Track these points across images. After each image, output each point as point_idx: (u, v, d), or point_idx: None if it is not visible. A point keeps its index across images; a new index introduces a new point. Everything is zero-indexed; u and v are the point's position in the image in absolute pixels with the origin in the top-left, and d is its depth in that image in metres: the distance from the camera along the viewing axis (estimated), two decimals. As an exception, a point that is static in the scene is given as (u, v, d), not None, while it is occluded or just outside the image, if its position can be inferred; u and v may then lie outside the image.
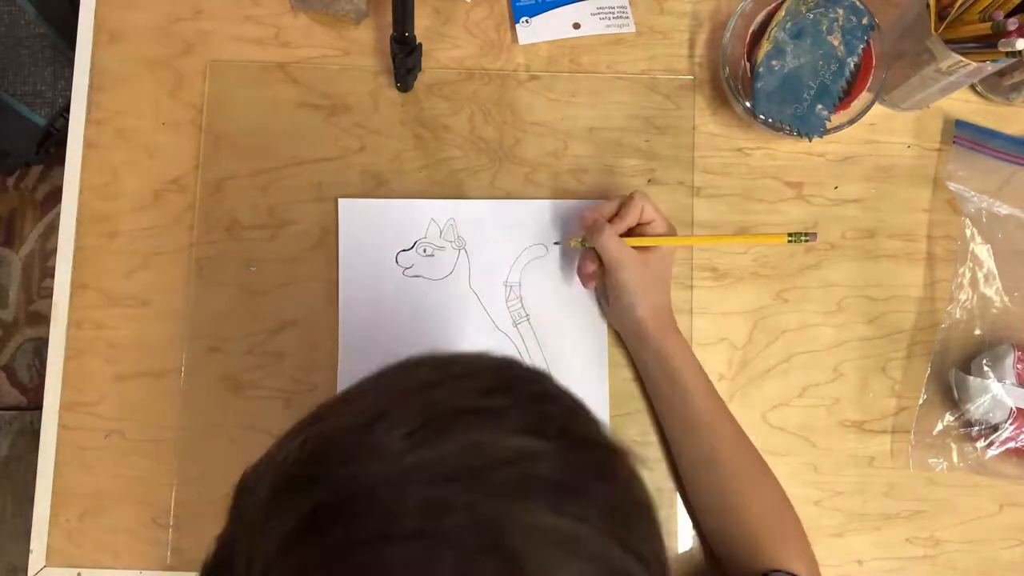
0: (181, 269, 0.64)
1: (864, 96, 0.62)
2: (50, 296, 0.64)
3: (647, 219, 0.59)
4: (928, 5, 0.58)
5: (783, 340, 0.65)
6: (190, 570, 0.62)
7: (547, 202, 0.65)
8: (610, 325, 0.64)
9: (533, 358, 0.64)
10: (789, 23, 0.62)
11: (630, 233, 0.59)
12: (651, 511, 0.32)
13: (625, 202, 0.59)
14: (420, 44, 0.62)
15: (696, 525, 0.61)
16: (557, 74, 0.67)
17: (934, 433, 0.63)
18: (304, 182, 0.65)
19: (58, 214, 0.65)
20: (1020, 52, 0.54)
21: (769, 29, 0.62)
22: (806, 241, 0.59)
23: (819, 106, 0.61)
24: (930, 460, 0.63)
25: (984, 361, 0.61)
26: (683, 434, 0.60)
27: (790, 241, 0.60)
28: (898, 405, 0.65)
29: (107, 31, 0.67)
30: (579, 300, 0.64)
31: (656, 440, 0.63)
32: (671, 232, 0.60)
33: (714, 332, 0.65)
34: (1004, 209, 0.65)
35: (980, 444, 0.62)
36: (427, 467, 0.27)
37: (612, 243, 0.58)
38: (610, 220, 0.59)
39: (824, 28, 0.61)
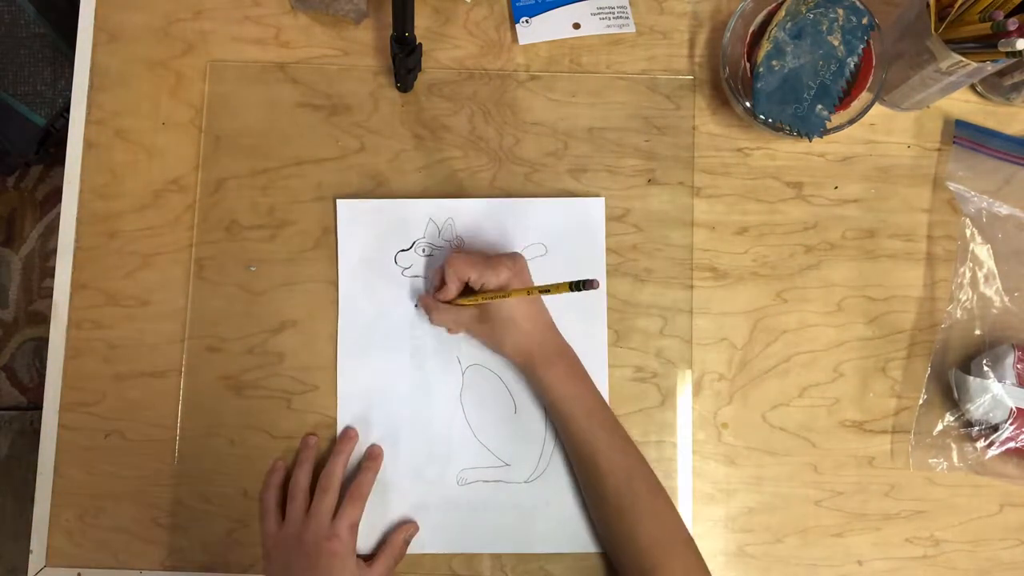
0: (181, 269, 0.64)
1: (864, 96, 0.62)
2: (50, 296, 0.64)
3: (467, 280, 0.58)
4: (928, 5, 0.58)
5: (783, 340, 0.65)
6: (190, 570, 0.62)
7: (546, 201, 0.65)
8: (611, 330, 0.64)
9: (533, 358, 0.64)
10: (789, 23, 0.62)
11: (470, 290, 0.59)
12: None
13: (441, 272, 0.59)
14: (420, 44, 0.62)
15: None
16: (557, 74, 0.67)
17: (934, 433, 0.63)
18: (304, 182, 0.65)
19: (58, 214, 0.65)
20: (1020, 52, 0.54)
21: (769, 29, 0.62)
22: (584, 289, 0.48)
23: (819, 106, 0.61)
24: (930, 460, 0.63)
25: (984, 361, 0.61)
26: (573, 464, 0.61)
27: (572, 290, 0.49)
28: (898, 405, 0.65)
29: (107, 31, 0.67)
30: (578, 300, 0.64)
31: (656, 440, 0.63)
32: (507, 282, 0.57)
33: (714, 332, 0.65)
34: (1004, 209, 0.65)
35: (980, 444, 0.62)
36: None
37: (446, 317, 0.60)
38: (438, 290, 0.60)
39: (824, 28, 0.61)
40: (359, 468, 0.62)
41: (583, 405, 0.59)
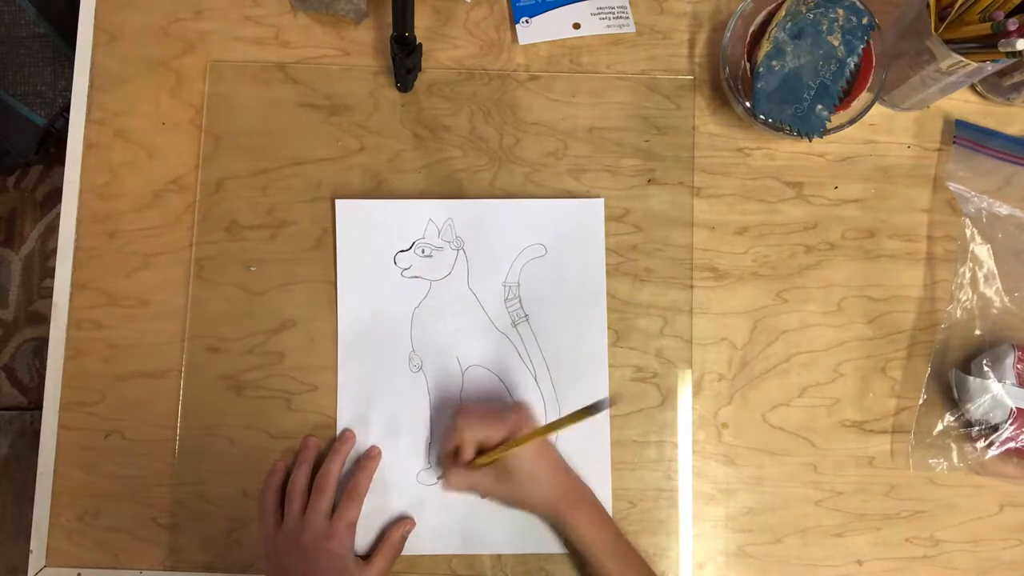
0: (181, 269, 0.64)
1: (864, 96, 0.62)
2: (50, 296, 0.64)
3: (479, 442, 0.57)
4: (928, 5, 0.58)
5: (783, 340, 0.65)
6: (190, 570, 0.62)
7: (546, 201, 0.65)
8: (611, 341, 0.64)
9: (532, 358, 0.64)
10: (789, 23, 0.62)
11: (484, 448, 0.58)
12: None
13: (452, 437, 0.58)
14: (420, 44, 0.62)
15: None
16: (557, 74, 0.67)
17: (934, 433, 0.63)
18: (304, 182, 0.65)
19: (58, 214, 0.65)
20: (1020, 52, 0.54)
21: (769, 29, 0.62)
22: (594, 413, 0.47)
23: (819, 106, 0.61)
24: (930, 460, 0.63)
25: (984, 361, 0.61)
26: None
27: (581, 418, 0.48)
28: (898, 405, 0.65)
29: (107, 31, 0.67)
30: (579, 300, 0.64)
31: (656, 440, 0.63)
32: (516, 429, 0.56)
33: (714, 332, 0.65)
34: (1004, 209, 0.65)
35: (980, 444, 0.62)
36: None
37: (463, 482, 0.59)
38: (454, 453, 0.59)
39: (824, 28, 0.61)
40: (355, 467, 0.62)
41: (610, 549, 0.58)
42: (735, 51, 0.64)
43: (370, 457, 0.62)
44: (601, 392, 0.63)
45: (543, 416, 0.63)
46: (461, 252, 0.64)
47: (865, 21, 0.61)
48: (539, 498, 0.59)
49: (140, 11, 0.67)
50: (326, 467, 0.61)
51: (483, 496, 0.61)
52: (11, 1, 0.93)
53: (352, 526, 0.59)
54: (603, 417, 0.63)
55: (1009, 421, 0.60)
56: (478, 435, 0.57)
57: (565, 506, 0.58)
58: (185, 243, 0.65)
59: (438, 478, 0.62)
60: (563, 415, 0.51)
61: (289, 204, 0.65)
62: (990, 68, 0.58)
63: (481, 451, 0.58)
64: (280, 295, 0.64)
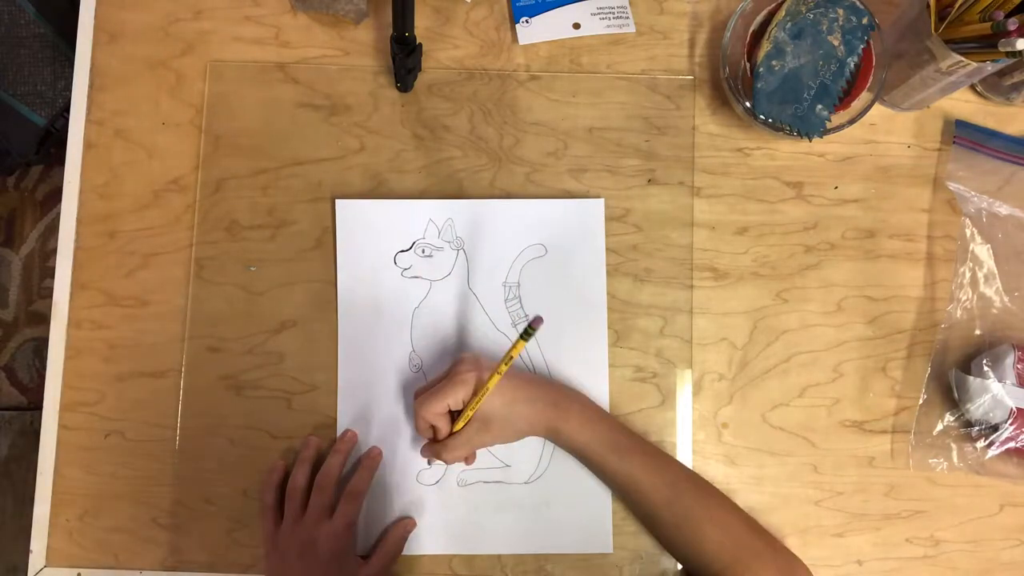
0: (181, 269, 0.64)
1: (864, 96, 0.62)
2: (50, 296, 0.64)
3: (446, 413, 0.58)
4: (928, 5, 0.58)
5: (783, 340, 0.65)
6: (190, 570, 0.62)
7: (546, 201, 0.65)
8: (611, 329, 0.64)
9: (532, 358, 0.64)
10: (789, 23, 0.62)
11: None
12: None
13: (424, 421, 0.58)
14: (420, 44, 0.62)
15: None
16: (557, 74, 0.67)
17: (934, 433, 0.63)
18: (304, 182, 0.65)
19: (58, 214, 0.65)
20: (1020, 52, 0.54)
21: (769, 29, 0.62)
22: (534, 330, 0.51)
23: (819, 106, 0.61)
24: (930, 460, 0.63)
25: (984, 361, 0.61)
26: (619, 496, 0.62)
27: (525, 339, 0.52)
28: (898, 405, 0.65)
29: (107, 31, 0.67)
30: (579, 300, 0.64)
31: (655, 440, 0.63)
32: (476, 380, 0.56)
33: (714, 332, 0.65)
34: (1004, 209, 0.65)
35: (980, 444, 0.62)
36: None
37: (457, 450, 0.59)
38: (434, 437, 0.60)
39: (824, 28, 0.61)
40: (356, 467, 0.62)
41: (607, 442, 0.58)
42: (735, 51, 0.64)
43: (370, 457, 0.62)
44: (601, 392, 0.63)
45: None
46: (461, 252, 0.64)
47: (865, 21, 0.61)
48: (526, 428, 0.59)
49: (140, 11, 0.67)
50: (326, 466, 0.61)
51: (482, 448, 0.61)
52: (11, 1, 0.93)
53: (352, 526, 0.59)
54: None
55: (1009, 421, 0.60)
56: (438, 408, 0.57)
57: (554, 422, 0.58)
58: (185, 243, 0.65)
59: (428, 463, 0.62)
60: (508, 350, 0.53)
61: (289, 204, 0.65)
62: (990, 68, 0.58)
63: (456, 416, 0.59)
64: (280, 295, 0.64)
